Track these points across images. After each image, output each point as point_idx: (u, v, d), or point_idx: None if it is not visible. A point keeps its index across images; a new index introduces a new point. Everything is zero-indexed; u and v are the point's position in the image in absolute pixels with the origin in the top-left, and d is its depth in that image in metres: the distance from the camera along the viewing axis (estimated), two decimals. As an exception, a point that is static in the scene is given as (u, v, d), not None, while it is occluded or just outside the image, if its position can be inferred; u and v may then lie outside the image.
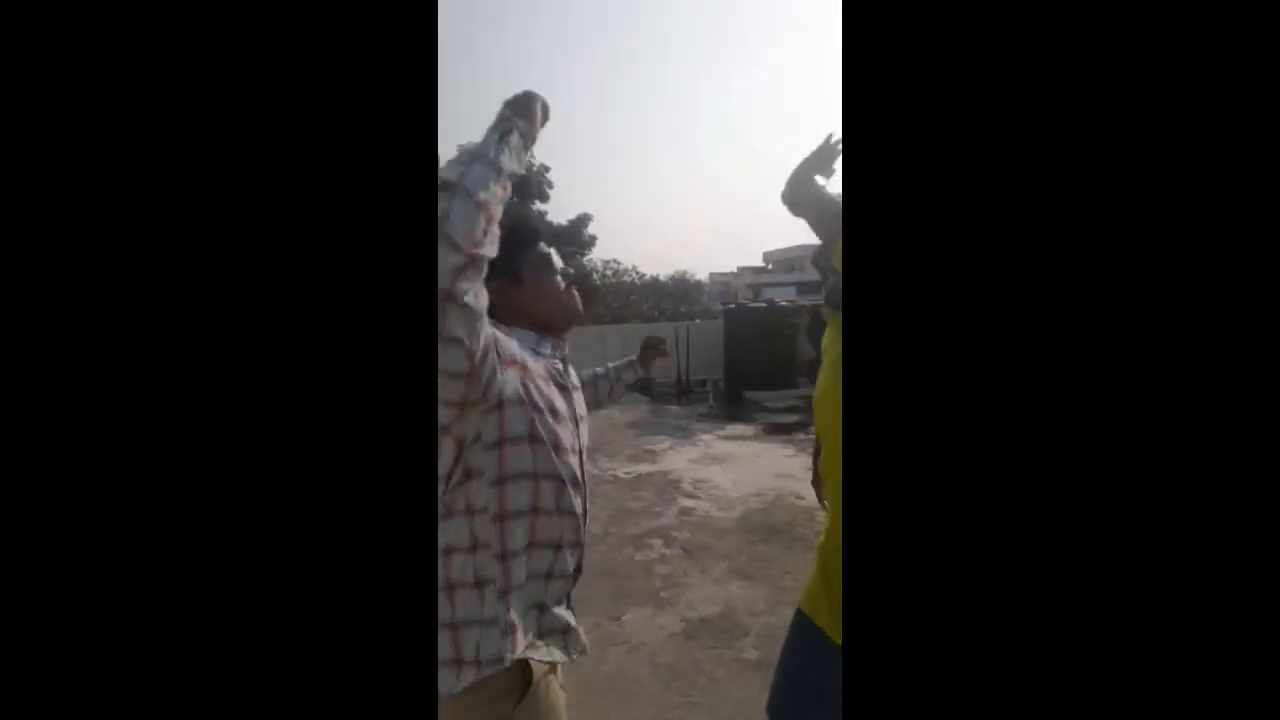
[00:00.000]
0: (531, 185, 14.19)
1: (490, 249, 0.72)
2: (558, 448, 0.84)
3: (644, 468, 4.82)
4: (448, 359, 0.72)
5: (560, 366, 0.92)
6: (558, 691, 0.85)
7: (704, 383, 8.74)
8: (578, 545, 0.88)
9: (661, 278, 20.18)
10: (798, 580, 2.74)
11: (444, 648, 0.78)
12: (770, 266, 27.49)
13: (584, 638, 0.90)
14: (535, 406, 0.82)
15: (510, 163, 0.75)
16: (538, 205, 14.31)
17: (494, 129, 0.77)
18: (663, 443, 5.68)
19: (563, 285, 0.94)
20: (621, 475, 4.62)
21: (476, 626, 0.78)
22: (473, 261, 0.70)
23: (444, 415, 0.76)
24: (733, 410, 7.30)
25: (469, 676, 0.77)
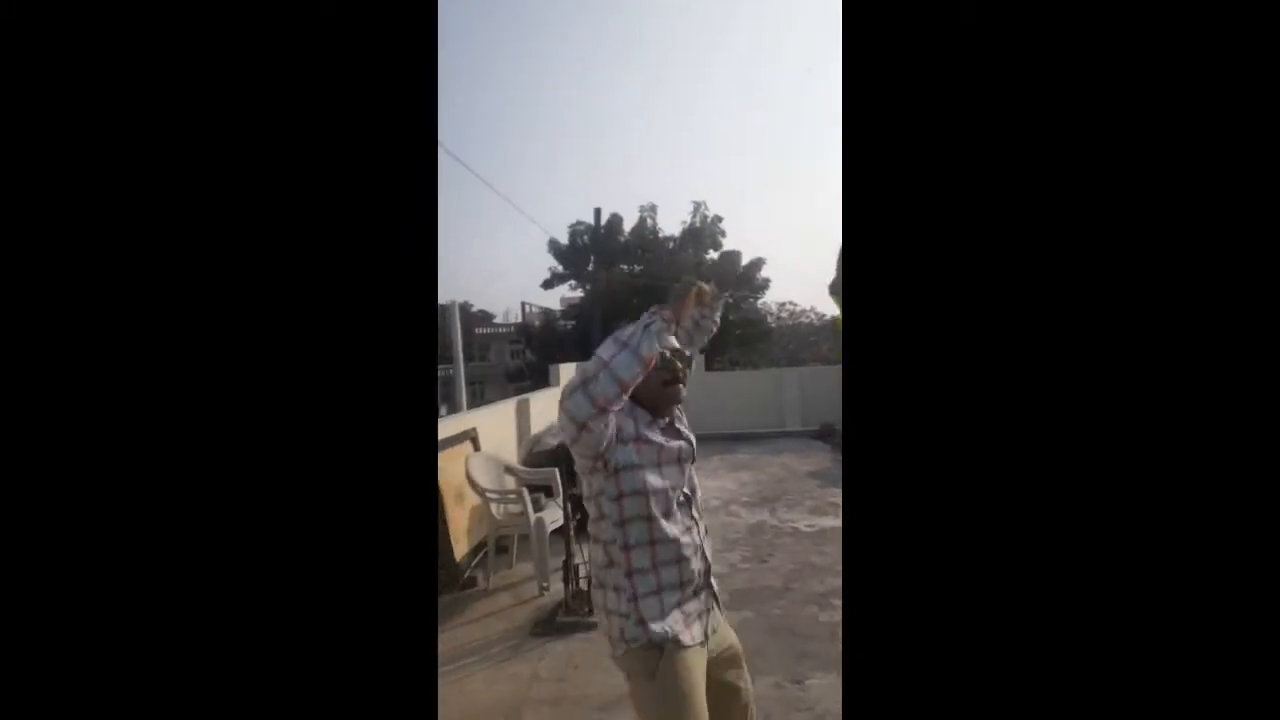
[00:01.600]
0: (705, 237, 14.68)
1: (618, 406, 1.13)
2: (665, 491, 1.24)
3: (828, 521, 4.57)
4: (579, 453, 1.20)
5: (668, 424, 1.32)
6: (691, 666, 1.22)
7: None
8: (692, 559, 1.26)
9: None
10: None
11: (611, 627, 1.25)
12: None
13: (714, 624, 1.31)
14: (644, 465, 1.23)
15: (648, 349, 1.11)
16: (711, 253, 14.70)
17: (642, 322, 1.13)
18: (847, 495, 5.33)
19: (665, 383, 1.29)
20: (803, 529, 4.43)
21: (618, 617, 1.23)
22: (602, 414, 1.11)
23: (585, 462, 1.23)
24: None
25: (620, 649, 1.23)
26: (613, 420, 1.18)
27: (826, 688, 2.30)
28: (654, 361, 1.14)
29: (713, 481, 6.29)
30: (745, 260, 15.13)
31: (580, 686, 2.39)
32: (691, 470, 1.33)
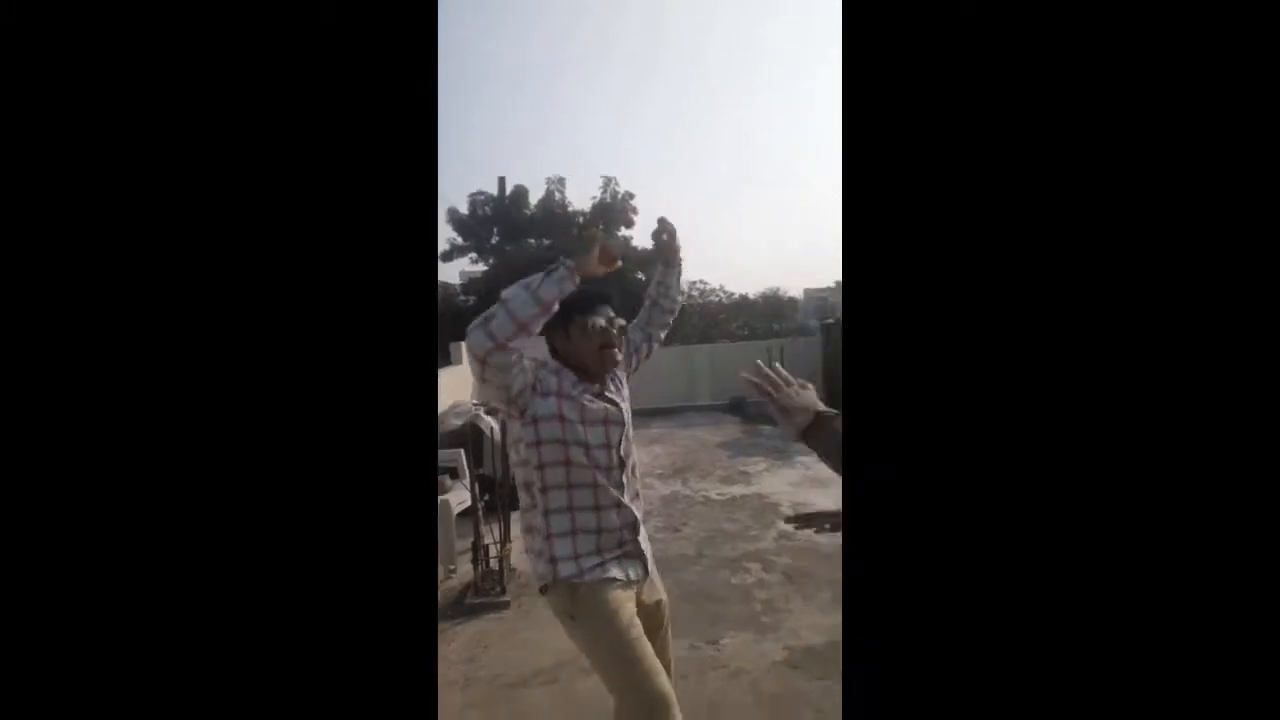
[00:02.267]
0: (615, 214, 14.55)
1: (518, 343, 1.16)
2: (586, 445, 1.25)
3: (738, 489, 4.70)
4: (489, 394, 1.25)
5: (599, 389, 1.34)
6: (610, 602, 1.21)
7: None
8: (614, 513, 1.27)
9: (751, 295, 19.89)
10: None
11: (532, 569, 1.30)
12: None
13: (641, 568, 1.31)
14: (565, 419, 1.24)
15: (549, 293, 1.16)
16: (623, 231, 14.61)
17: (548, 269, 1.17)
18: (758, 464, 5.53)
19: (597, 347, 1.30)
20: (714, 497, 4.53)
21: (533, 556, 1.27)
22: (500, 349, 1.15)
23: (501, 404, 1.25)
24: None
25: (541, 591, 1.28)
26: (528, 369, 1.23)
27: (740, 646, 2.34)
28: (552, 306, 1.17)
29: (626, 456, 6.31)
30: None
31: (490, 666, 2.31)
32: (624, 438, 1.32)
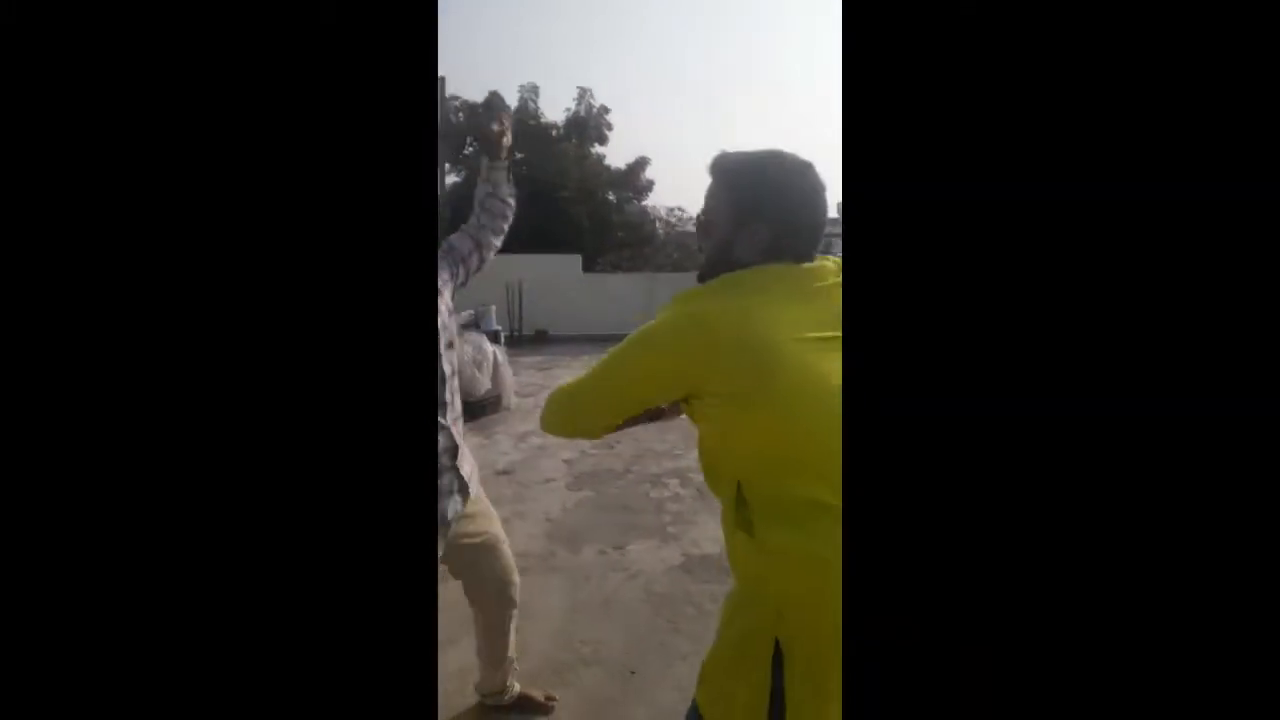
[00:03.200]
0: (589, 128, 13.96)
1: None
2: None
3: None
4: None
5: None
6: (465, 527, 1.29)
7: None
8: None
9: None
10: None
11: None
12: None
13: (461, 502, 1.27)
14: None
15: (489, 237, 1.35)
16: (596, 149, 14.09)
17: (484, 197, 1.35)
18: (700, 390, 5.68)
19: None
20: (653, 419, 4.67)
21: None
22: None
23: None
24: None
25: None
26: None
27: (643, 552, 2.51)
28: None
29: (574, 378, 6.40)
30: (630, 159, 14.73)
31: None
32: (445, 350, 1.21)
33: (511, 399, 5.19)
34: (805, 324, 0.75)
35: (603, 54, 39.10)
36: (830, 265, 0.82)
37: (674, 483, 3.32)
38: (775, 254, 0.79)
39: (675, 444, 3.98)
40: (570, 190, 12.75)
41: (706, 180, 0.85)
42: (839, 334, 0.74)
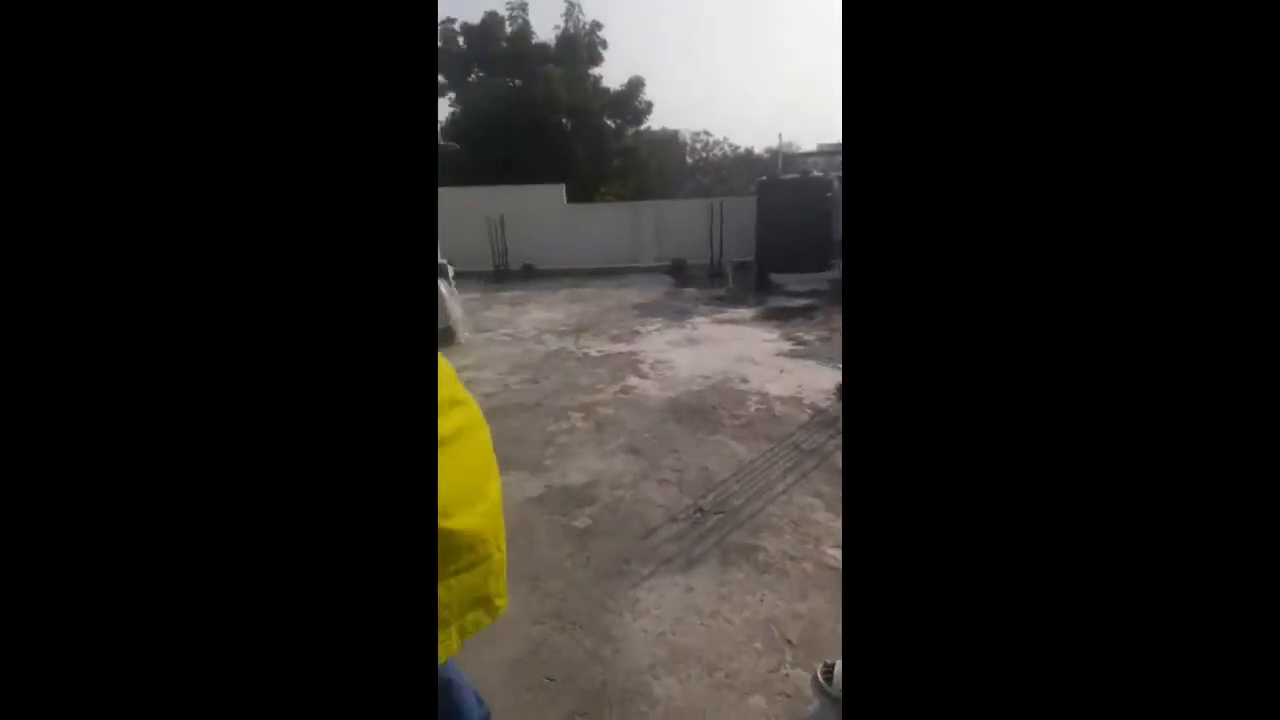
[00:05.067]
0: (581, 48, 13.24)
1: None
2: None
3: (619, 348, 4.82)
4: None
5: None
6: None
7: (740, 265, 8.37)
8: None
9: (757, 150, 18.74)
10: (679, 458, 2.74)
11: None
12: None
13: None
14: None
15: None
16: (592, 71, 13.41)
17: None
18: (654, 324, 5.61)
19: None
20: (593, 354, 4.66)
21: None
22: None
23: None
24: (753, 294, 7.02)
25: None
26: None
27: (511, 485, 2.55)
28: None
29: (543, 314, 6.40)
30: (624, 80, 14.00)
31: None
32: None
33: (464, 333, 5.22)
34: None
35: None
36: None
37: (578, 417, 3.32)
38: None
39: (599, 378, 3.97)
40: (562, 115, 12.30)
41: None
42: None
